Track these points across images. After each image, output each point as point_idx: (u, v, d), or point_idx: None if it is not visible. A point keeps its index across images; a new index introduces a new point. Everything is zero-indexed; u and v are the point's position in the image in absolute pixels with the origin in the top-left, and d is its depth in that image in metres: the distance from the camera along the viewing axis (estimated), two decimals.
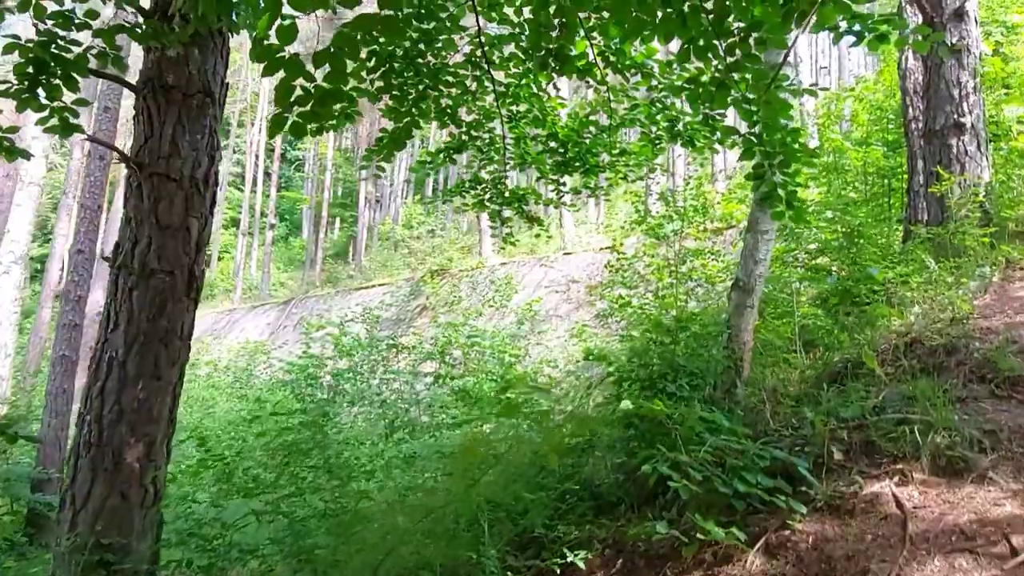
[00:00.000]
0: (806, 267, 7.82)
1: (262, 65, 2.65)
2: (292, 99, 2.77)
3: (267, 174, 41.35)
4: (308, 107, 2.85)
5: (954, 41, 6.82)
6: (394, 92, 4.86)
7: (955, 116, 6.75)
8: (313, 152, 40.95)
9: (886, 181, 10.13)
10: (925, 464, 3.17)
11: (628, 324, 7.17)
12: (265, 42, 2.65)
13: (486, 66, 4.93)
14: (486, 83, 5.10)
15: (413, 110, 5.11)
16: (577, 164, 5.49)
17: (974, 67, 6.83)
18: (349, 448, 11.23)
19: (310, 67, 2.75)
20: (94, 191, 10.53)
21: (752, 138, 3.18)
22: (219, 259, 48.89)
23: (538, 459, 4.21)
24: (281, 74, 2.67)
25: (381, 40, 4.10)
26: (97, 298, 12.81)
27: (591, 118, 5.30)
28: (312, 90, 2.80)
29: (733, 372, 5.47)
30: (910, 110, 8.21)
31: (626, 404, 3.38)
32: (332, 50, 2.67)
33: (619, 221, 17.91)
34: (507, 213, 6.46)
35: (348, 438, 11.94)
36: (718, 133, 4.85)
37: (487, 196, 6.24)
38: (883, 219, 9.53)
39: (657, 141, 5.24)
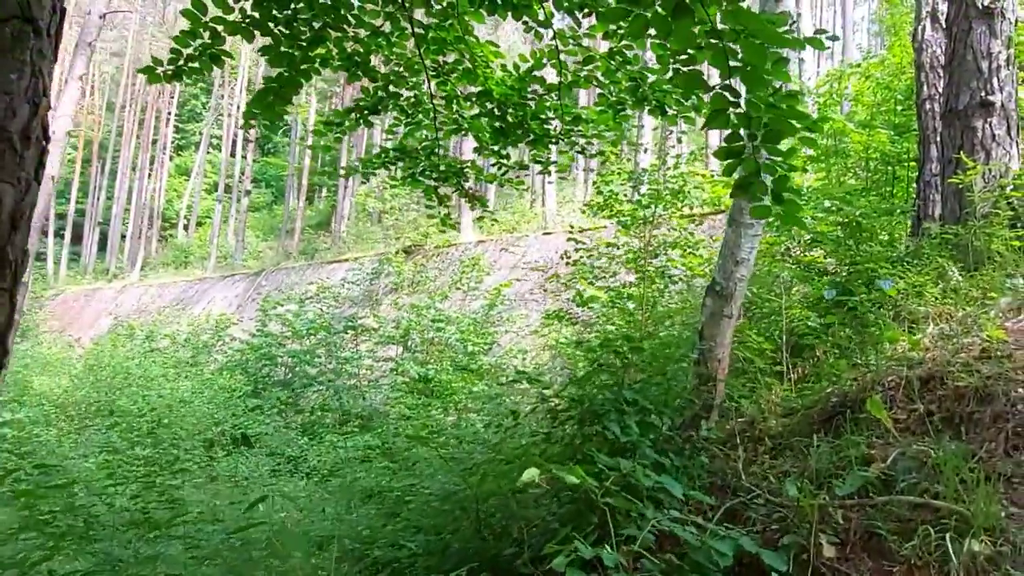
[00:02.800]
0: (796, 262, 6.81)
1: None
2: None
3: (246, 140, 39.82)
4: None
5: (985, 3, 5.73)
6: (279, 29, 3.76)
7: (982, 93, 5.68)
8: (295, 117, 39.37)
9: (890, 168, 9.09)
10: None
11: (585, 328, 6.18)
12: None
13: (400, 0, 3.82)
14: (402, 23, 4.00)
15: (309, 54, 4.03)
16: (519, 132, 4.41)
17: (1008, 35, 5.75)
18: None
19: None
20: None
21: (724, 95, 2.12)
22: (198, 225, 47.53)
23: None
24: None
25: None
26: None
27: (538, 75, 4.20)
28: None
29: (704, 397, 4.47)
30: (925, 88, 7.15)
31: (531, 474, 2.37)
32: None
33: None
34: (445, 190, 5.42)
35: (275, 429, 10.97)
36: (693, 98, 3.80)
37: (419, 169, 5.17)
38: (886, 211, 8.52)
39: (620, 107, 4.17)
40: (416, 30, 3.93)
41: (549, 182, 19.61)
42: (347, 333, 13.40)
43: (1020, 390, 2.94)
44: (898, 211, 7.71)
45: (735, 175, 2.34)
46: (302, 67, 4.12)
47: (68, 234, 47.65)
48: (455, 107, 4.44)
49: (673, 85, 3.56)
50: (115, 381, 13.24)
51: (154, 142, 47.97)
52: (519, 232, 18.06)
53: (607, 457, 3.05)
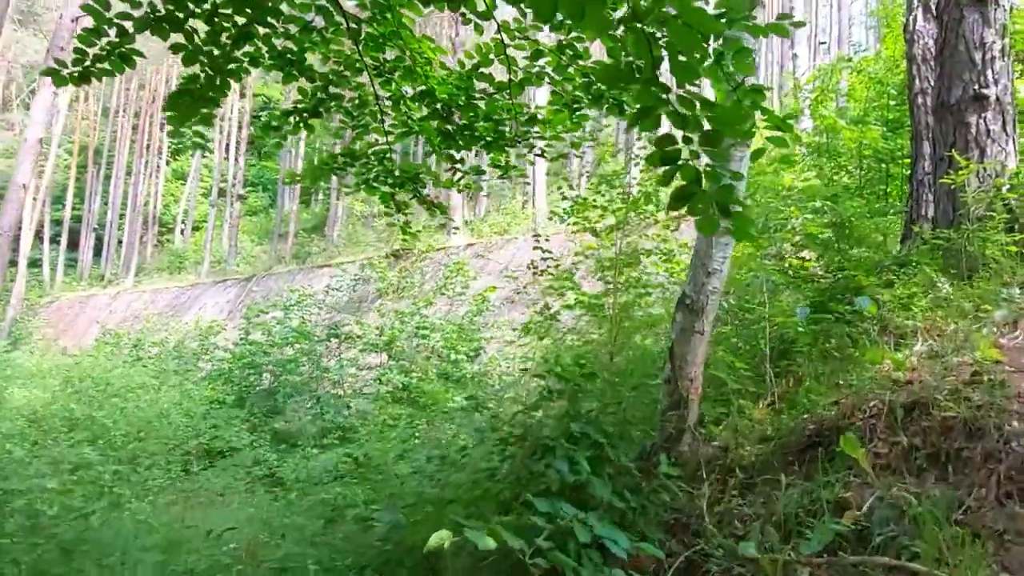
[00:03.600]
0: (781, 266, 6.45)
1: None
2: None
3: (239, 144, 39.50)
4: None
5: None
6: (192, 25, 3.42)
7: (975, 86, 5.31)
8: None
9: (884, 166, 8.72)
10: None
11: (562, 338, 5.82)
12: None
13: None
14: (336, 16, 3.65)
15: (235, 53, 3.69)
16: (466, 134, 4.06)
17: (1003, 24, 5.39)
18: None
19: None
20: None
21: (652, 90, 1.77)
22: (195, 229, 47.16)
23: None
24: None
25: None
26: None
27: (489, 73, 3.85)
28: None
29: (676, 421, 4.12)
30: (917, 81, 6.77)
31: (439, 539, 2.00)
32: None
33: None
34: (401, 197, 5.08)
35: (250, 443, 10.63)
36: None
37: (373, 176, 4.83)
38: (878, 211, 8.16)
39: (576, 106, 3.82)
40: (350, 24, 3.58)
41: (527, 183, 19.24)
42: (331, 341, 13.06)
43: (1015, 423, 2.58)
44: (891, 212, 7.35)
45: (672, 185, 1.99)
46: (228, 67, 3.79)
47: (64, 240, 47.33)
48: (403, 108, 4.09)
49: (597, 80, 3.21)
50: (95, 392, 12.90)
51: (148, 147, 47.69)
52: (509, 234, 17.70)
53: (554, 498, 2.71)
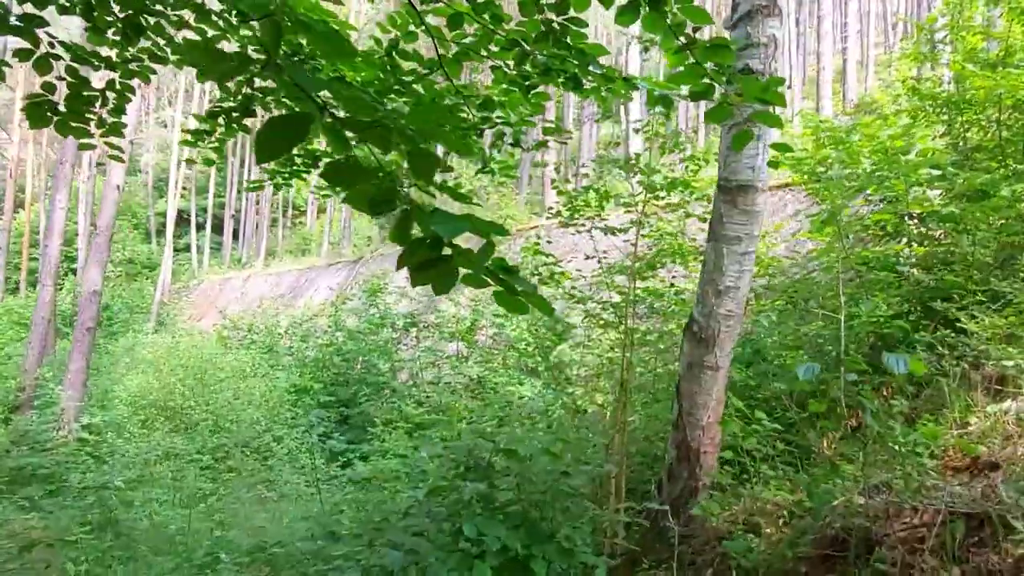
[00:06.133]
0: (865, 258, 5.14)
1: None
2: None
3: None
4: None
5: None
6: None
7: None
8: None
9: None
10: None
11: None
12: None
13: None
14: None
15: (127, 49, 3.17)
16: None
17: None
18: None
19: None
20: None
21: None
22: (320, 212, 49.41)
23: None
24: None
25: None
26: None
27: (411, 51, 3.05)
28: None
29: (681, 480, 3.21)
30: None
31: None
32: None
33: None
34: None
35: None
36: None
37: None
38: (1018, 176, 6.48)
39: (528, 83, 2.95)
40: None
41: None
42: (407, 331, 12.80)
43: None
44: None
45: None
46: (128, 66, 3.28)
47: (209, 225, 51.25)
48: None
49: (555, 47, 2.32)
50: (193, 381, 13.46)
51: None
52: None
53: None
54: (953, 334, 3.08)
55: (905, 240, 5.13)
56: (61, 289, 24.19)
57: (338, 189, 4.10)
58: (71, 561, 7.27)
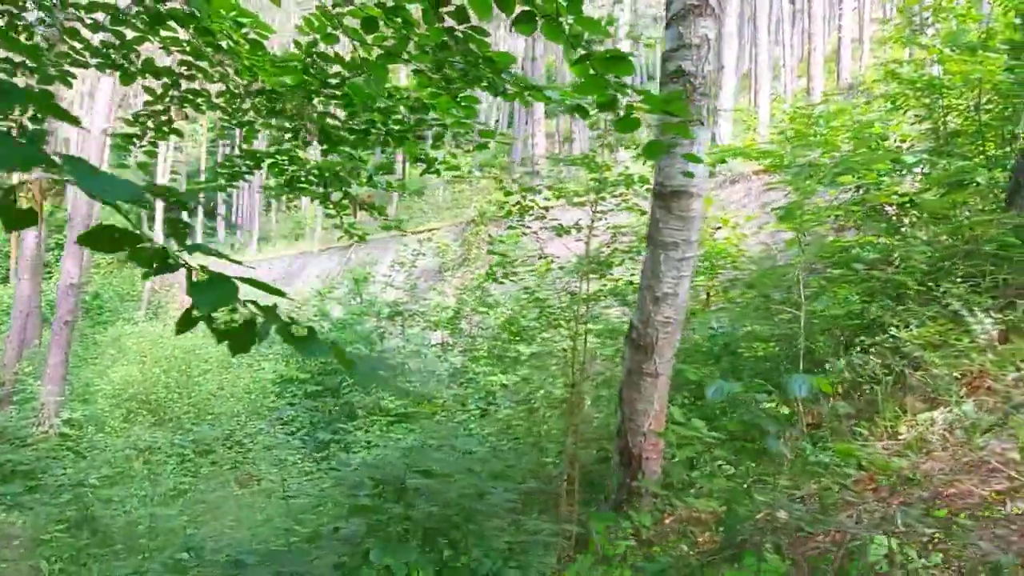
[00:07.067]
0: (830, 250, 5.06)
1: None
2: None
3: None
4: None
5: None
6: None
7: None
8: None
9: (1011, 108, 6.75)
10: None
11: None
12: None
13: None
14: None
15: (44, 55, 3.05)
16: (352, 129, 3.22)
17: None
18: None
19: None
20: None
21: None
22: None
23: None
24: None
25: None
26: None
27: (332, 54, 2.94)
28: None
29: (626, 489, 3.15)
30: None
31: None
32: None
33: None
34: (336, 197, 4.37)
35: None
36: None
37: (289, 176, 4.14)
38: (995, 162, 6.37)
39: (454, 87, 2.85)
40: (146, 2, 2.81)
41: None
42: (391, 319, 12.74)
43: None
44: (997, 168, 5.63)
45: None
46: (47, 72, 3.17)
47: (200, 210, 50.96)
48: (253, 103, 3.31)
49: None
50: (183, 371, 13.36)
51: None
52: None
53: None
54: (892, 337, 3.02)
55: (873, 233, 5.04)
56: (50, 279, 24.02)
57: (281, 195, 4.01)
58: (45, 560, 7.24)
